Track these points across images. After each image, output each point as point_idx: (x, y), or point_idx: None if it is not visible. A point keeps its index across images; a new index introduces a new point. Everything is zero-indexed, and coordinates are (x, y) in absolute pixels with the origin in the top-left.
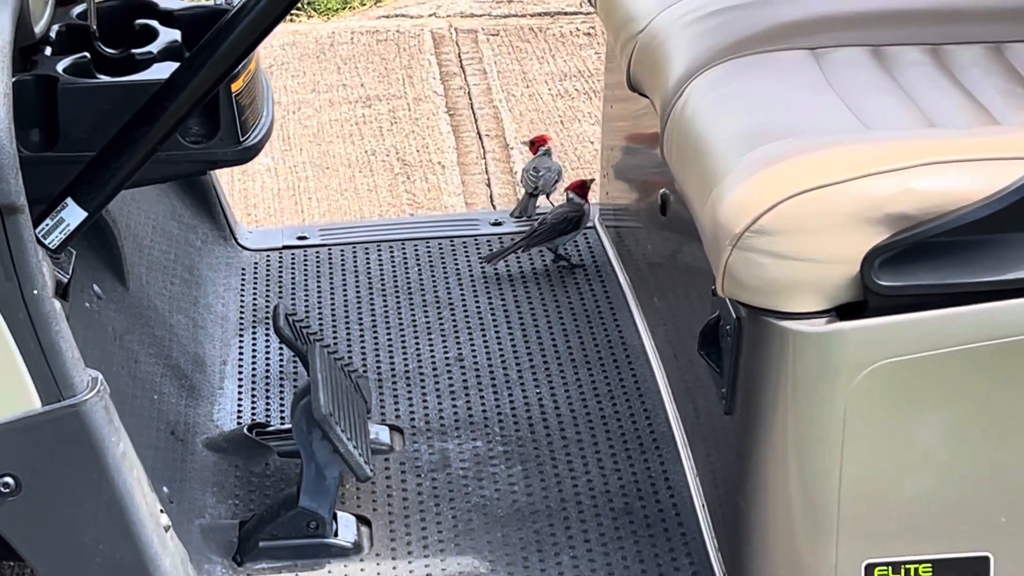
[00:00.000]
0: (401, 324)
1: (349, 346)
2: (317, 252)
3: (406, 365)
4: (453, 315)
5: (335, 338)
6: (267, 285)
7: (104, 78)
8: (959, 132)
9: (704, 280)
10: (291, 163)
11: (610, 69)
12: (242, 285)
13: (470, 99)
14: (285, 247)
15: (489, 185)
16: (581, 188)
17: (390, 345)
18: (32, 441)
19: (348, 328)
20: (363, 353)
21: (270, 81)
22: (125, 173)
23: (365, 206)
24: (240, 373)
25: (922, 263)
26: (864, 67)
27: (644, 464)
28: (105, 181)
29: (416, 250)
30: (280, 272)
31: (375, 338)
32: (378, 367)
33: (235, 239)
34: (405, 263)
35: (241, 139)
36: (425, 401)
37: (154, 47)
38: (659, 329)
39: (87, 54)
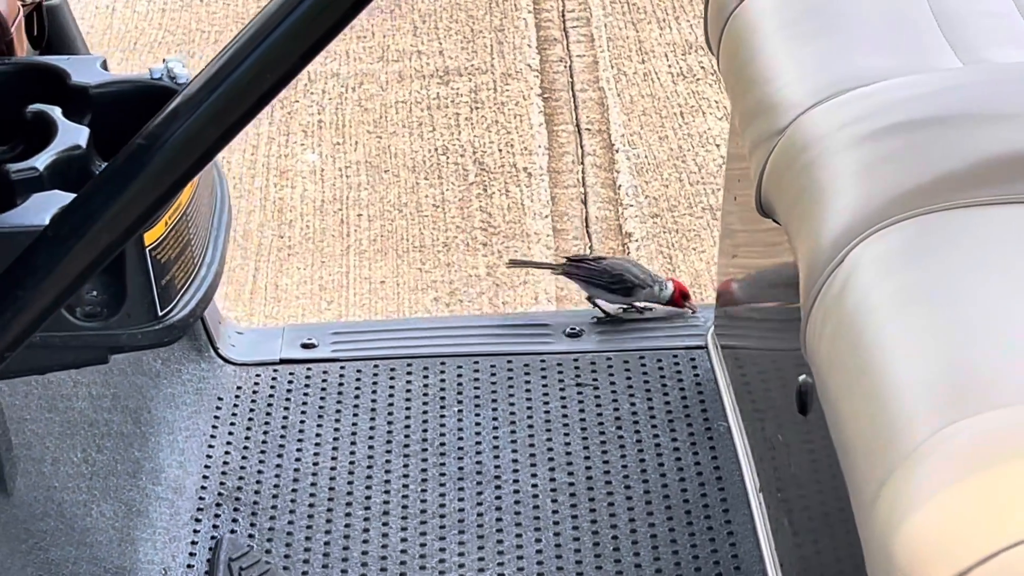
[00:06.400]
0: (442, 511)
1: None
2: (325, 371)
3: None
4: (518, 509)
5: (326, 547)
6: (247, 430)
7: None
8: None
9: None
10: (342, 163)
11: (734, 139)
12: (214, 429)
13: (571, 76)
14: (283, 361)
15: (585, 203)
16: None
17: (423, 564)
18: None
19: (347, 527)
20: None
21: (225, 175)
22: None
23: (427, 229)
24: None
25: None
26: None
27: None
28: None
29: (459, 373)
30: (269, 407)
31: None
32: None
33: (214, 349)
34: (441, 395)
35: (160, 314)
36: None
37: (41, 159)
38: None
39: None
